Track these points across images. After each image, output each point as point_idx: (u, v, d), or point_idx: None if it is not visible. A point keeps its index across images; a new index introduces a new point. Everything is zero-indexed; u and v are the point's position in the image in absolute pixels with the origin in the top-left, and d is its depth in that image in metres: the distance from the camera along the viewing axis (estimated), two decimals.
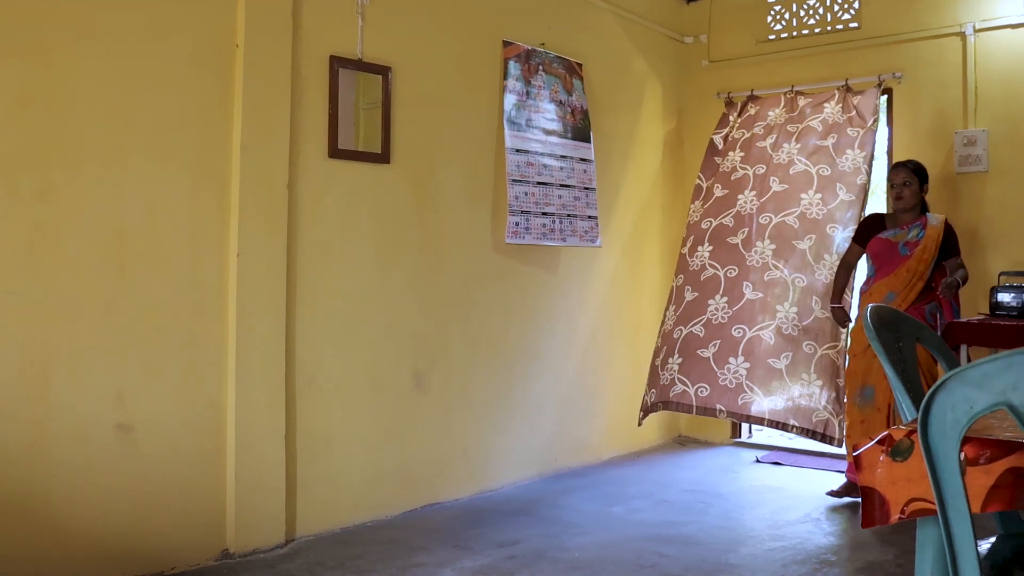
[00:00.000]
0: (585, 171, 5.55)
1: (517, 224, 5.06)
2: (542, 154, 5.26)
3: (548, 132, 5.31)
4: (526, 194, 5.12)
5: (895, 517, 1.80)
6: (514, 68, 5.17)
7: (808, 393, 5.04)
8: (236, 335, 3.88)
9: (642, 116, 6.35)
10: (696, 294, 5.52)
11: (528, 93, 5.23)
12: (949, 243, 4.82)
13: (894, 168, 4.98)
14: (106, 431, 3.52)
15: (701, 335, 5.33)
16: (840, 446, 5.05)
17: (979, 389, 1.46)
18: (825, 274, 5.26)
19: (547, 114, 5.33)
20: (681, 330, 5.42)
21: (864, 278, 5.03)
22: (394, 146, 4.57)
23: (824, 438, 4.99)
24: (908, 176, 4.87)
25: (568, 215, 5.39)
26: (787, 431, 5.03)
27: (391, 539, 4.20)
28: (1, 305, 3.25)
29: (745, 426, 6.58)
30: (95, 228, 3.49)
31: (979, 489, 1.67)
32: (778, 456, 6.03)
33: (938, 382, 1.53)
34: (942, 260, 4.80)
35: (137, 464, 3.60)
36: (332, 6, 4.30)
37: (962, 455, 1.68)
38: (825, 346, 5.14)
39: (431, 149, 4.79)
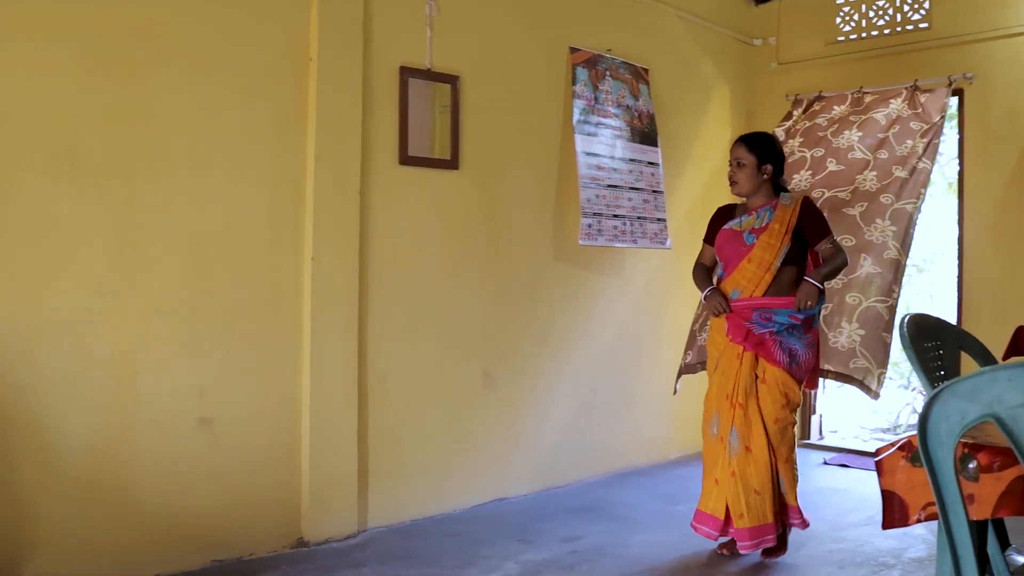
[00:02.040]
0: (653, 174, 5.63)
1: (590, 226, 5.15)
2: (611, 158, 5.35)
3: (616, 136, 5.40)
4: (597, 196, 5.21)
5: (913, 519, 1.88)
6: (582, 74, 5.27)
7: (847, 341, 4.88)
8: (311, 335, 4.07)
9: (709, 119, 6.38)
10: None
11: (596, 98, 5.32)
12: (809, 225, 3.96)
13: (733, 144, 4.09)
14: (189, 424, 3.74)
15: None
16: (878, 398, 4.82)
17: (969, 401, 1.53)
18: (876, 235, 5.13)
19: (615, 119, 5.42)
20: None
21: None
22: (463, 152, 4.72)
23: (862, 386, 4.77)
24: (743, 154, 3.97)
25: (638, 217, 5.47)
26: (823, 376, 4.80)
27: (458, 532, 4.35)
28: (93, 306, 3.49)
29: (815, 427, 6.57)
30: (178, 234, 3.71)
31: (990, 495, 1.73)
32: (846, 459, 6.01)
33: (932, 394, 1.60)
34: (809, 247, 4.03)
35: (217, 456, 3.82)
36: (402, 18, 4.46)
37: (975, 462, 1.75)
38: (873, 299, 4.97)
39: (499, 155, 4.92)
